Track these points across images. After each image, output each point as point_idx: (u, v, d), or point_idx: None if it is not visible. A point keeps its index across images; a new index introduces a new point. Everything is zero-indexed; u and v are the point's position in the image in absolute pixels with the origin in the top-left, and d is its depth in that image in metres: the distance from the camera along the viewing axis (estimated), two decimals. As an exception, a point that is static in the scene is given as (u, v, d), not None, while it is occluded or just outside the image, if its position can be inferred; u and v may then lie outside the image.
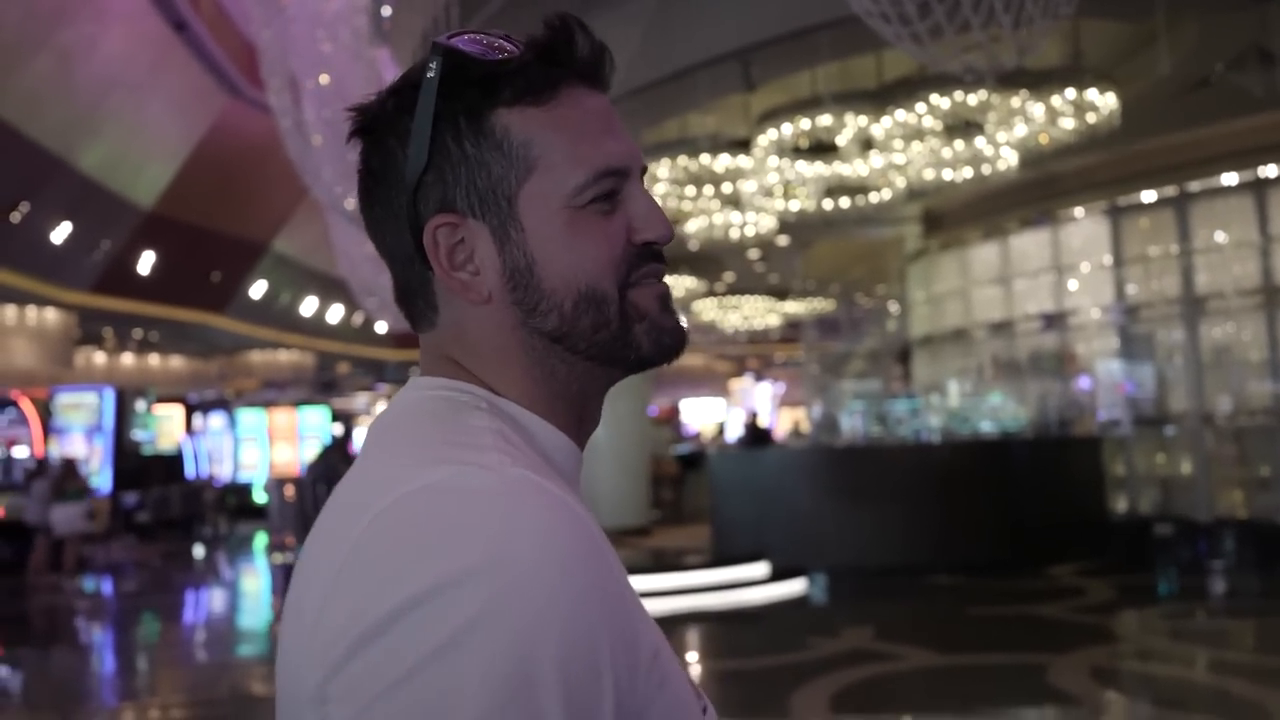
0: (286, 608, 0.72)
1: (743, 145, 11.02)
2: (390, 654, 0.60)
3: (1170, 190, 11.80)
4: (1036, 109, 9.22)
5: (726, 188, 11.75)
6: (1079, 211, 13.00)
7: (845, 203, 12.13)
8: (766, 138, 10.29)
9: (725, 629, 8.78)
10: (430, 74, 0.75)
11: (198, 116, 21.84)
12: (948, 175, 10.90)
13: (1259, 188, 11.33)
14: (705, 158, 11.00)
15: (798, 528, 10.95)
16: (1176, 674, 7.18)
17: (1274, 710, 5.96)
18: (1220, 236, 11.76)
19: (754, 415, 17.25)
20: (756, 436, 15.03)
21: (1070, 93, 9.01)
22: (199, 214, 23.85)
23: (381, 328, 21.21)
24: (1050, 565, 10.74)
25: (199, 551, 16.10)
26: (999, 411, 13.34)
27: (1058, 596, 9.43)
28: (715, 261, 17.82)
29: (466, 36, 0.76)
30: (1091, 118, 9.30)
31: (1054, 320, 13.49)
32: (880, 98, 9.71)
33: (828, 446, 12.86)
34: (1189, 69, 8.57)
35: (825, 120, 9.76)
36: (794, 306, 20.36)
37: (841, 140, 10.31)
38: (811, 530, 10.93)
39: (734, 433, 19.55)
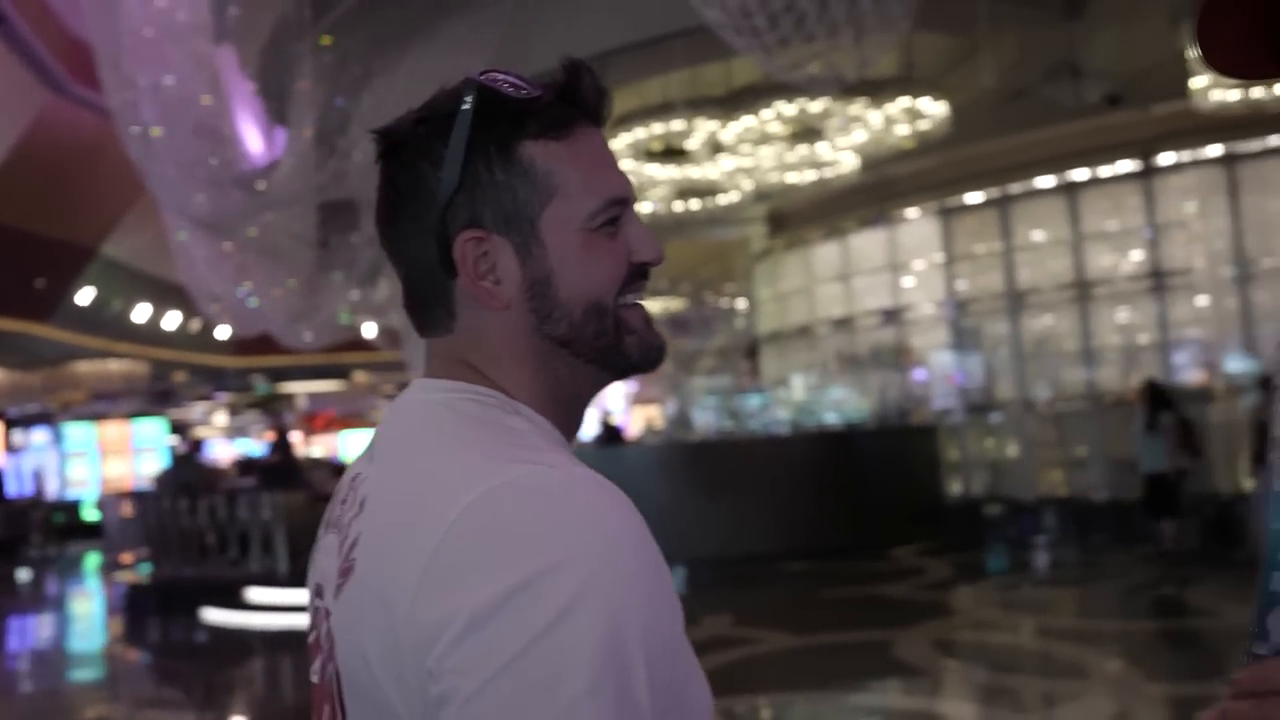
0: (351, 598, 0.81)
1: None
2: (506, 631, 0.70)
3: (994, 192, 12.65)
4: (874, 116, 9.77)
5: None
6: (912, 212, 13.76)
7: (695, 204, 12.49)
8: (620, 141, 10.51)
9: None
10: (465, 106, 0.86)
11: (16, 113, 20.54)
12: (792, 178, 11.38)
13: (1071, 190, 12.28)
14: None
15: (656, 522, 10.80)
16: (1007, 641, 7.75)
17: (1091, 667, 6.55)
18: (1038, 235, 12.68)
19: (607, 414, 17.46)
20: (611, 435, 15.25)
21: (904, 101, 9.59)
22: (20, 216, 22.41)
23: (223, 333, 20.47)
24: (894, 547, 11.32)
25: (24, 575, 15.19)
26: (843, 403, 13.96)
27: (901, 576, 9.97)
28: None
29: (497, 75, 0.88)
30: (923, 124, 9.92)
31: (891, 315, 14.21)
32: (729, 103, 10.07)
33: (682, 442, 13.18)
34: (1009, 80, 9.27)
35: (677, 124, 10.06)
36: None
37: (692, 144, 10.63)
38: (669, 524, 11.17)
39: (589, 432, 19.74)
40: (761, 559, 10.94)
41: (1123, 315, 12.38)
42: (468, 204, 0.86)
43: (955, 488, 13.13)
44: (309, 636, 0.94)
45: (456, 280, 0.88)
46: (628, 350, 0.91)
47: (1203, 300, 11.76)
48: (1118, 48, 9.47)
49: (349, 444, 24.35)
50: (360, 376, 28.45)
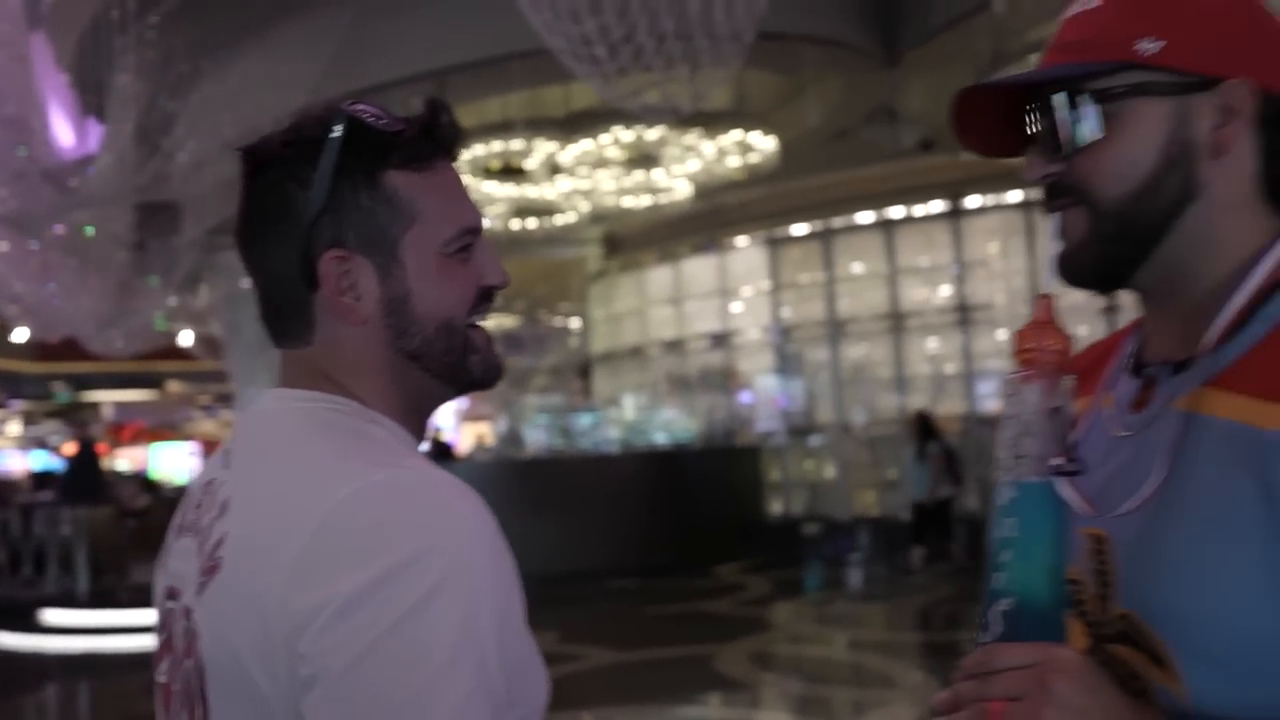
0: (218, 594, 0.86)
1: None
2: (373, 614, 0.77)
3: (818, 225, 13.27)
4: (707, 147, 10.12)
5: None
6: (742, 240, 14.26)
7: (532, 223, 12.56)
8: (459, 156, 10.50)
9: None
10: (335, 134, 0.93)
11: None
12: (628, 202, 11.62)
13: (888, 226, 13.03)
14: (395, 173, 10.99)
15: None
16: (821, 653, 8.12)
17: (898, 677, 6.95)
18: (857, 267, 13.38)
19: (437, 430, 17.25)
20: (440, 451, 15.08)
21: (735, 134, 9.99)
22: None
23: (21, 336, 19.12)
24: (717, 565, 11.62)
25: None
26: (672, 424, 14.27)
27: (723, 593, 10.27)
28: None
29: (364, 108, 0.95)
30: (753, 157, 10.34)
31: (720, 339, 14.66)
32: (568, 126, 10.22)
33: (512, 459, 13.17)
34: (833, 121, 9.81)
35: (515, 144, 10.13)
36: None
37: (530, 164, 10.72)
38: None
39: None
40: (589, 576, 11.04)
41: (932, 345, 13.19)
42: (333, 225, 0.93)
43: (776, 507, 13.61)
44: (158, 639, 0.97)
45: (318, 295, 0.94)
46: (472, 367, 0.99)
47: (1003, 334, 12.68)
48: (931, 96, 10.16)
49: (161, 457, 23.07)
50: (175, 386, 27.04)
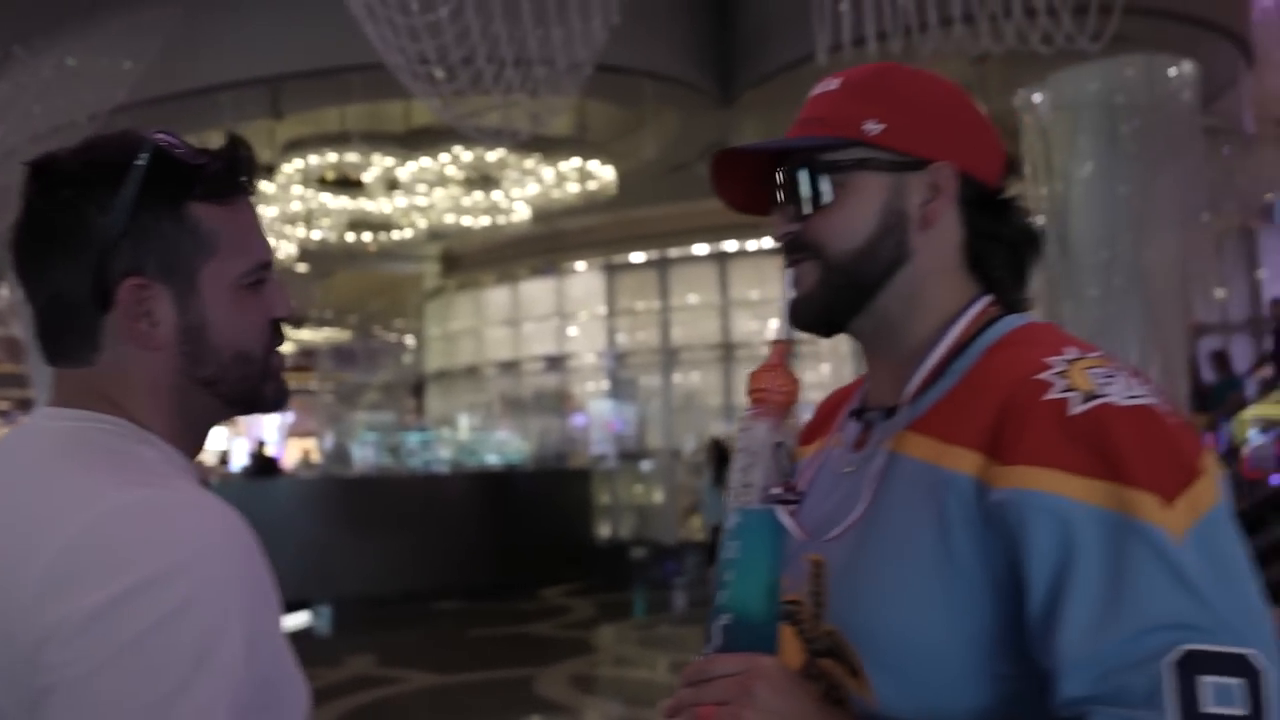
0: None
1: (266, 171, 10.82)
2: (117, 626, 0.79)
3: (654, 254, 13.57)
4: (546, 172, 10.22)
5: (245, 210, 11.44)
6: (580, 265, 14.42)
7: (368, 237, 12.35)
8: (291, 166, 10.23)
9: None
10: (140, 162, 0.94)
11: None
12: (467, 221, 11.58)
13: (721, 259, 13.46)
14: (225, 179, 10.63)
15: (304, 560, 10.81)
16: (644, 676, 8.24)
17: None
18: (692, 298, 13.74)
19: (260, 444, 16.67)
20: (264, 467, 14.57)
21: (575, 161, 10.13)
22: None
23: None
24: (543, 587, 11.63)
25: None
26: (504, 445, 14.23)
27: (548, 615, 10.28)
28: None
29: (169, 139, 0.97)
30: (592, 185, 10.51)
31: (555, 362, 14.74)
32: (407, 142, 10.12)
33: (338, 477, 12.86)
34: (670, 154, 10.09)
35: (352, 157, 9.96)
36: (309, 335, 19.99)
37: (368, 177, 10.56)
38: (319, 562, 10.85)
39: (239, 462, 18.66)
40: (413, 598, 10.87)
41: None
42: (132, 251, 0.94)
43: (605, 530, 13.75)
44: None
45: (108, 318, 0.95)
46: (265, 393, 1.03)
47: (826, 367, 13.25)
48: (764, 136, 10.48)
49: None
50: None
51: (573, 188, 10.64)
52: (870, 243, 1.01)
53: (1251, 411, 10.32)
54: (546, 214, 11.56)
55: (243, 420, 25.64)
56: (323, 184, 10.65)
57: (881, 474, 0.97)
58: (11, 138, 8.29)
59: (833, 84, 1.06)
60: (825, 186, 1.02)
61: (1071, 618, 0.82)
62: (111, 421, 0.96)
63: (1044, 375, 0.89)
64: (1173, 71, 7.77)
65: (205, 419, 1.03)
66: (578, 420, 14.69)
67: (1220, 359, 11.03)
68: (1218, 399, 10.12)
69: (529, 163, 10.11)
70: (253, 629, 0.86)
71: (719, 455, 10.41)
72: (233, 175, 1.00)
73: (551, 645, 8.89)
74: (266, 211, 11.51)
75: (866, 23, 5.58)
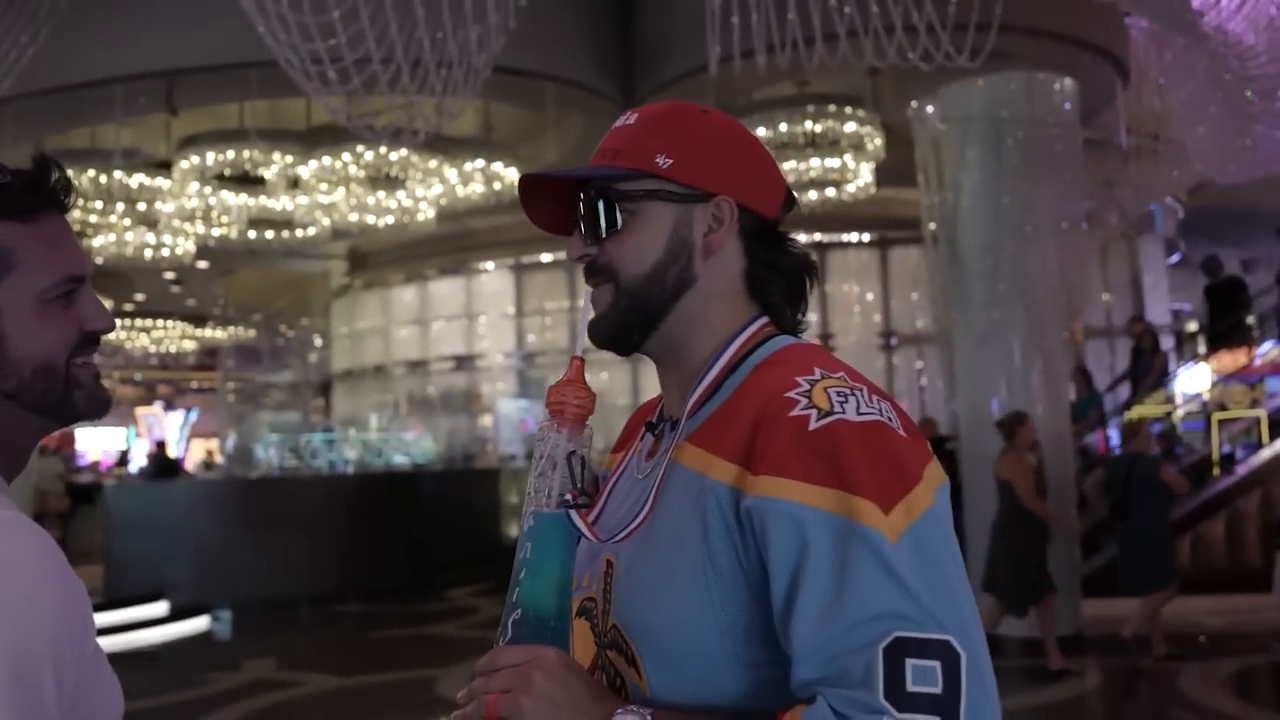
0: None
1: (163, 166, 10.58)
2: None
3: (562, 254, 13.59)
4: (450, 172, 10.20)
5: (141, 206, 11.16)
6: (489, 265, 14.38)
7: (270, 234, 12.14)
8: (188, 162, 10.03)
9: (119, 671, 8.28)
10: None
11: None
12: (372, 219, 11.48)
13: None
14: (119, 174, 10.37)
15: (204, 563, 10.62)
16: (543, 674, 8.29)
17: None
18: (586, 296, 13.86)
19: (161, 444, 16.28)
20: (163, 467, 14.23)
21: (479, 162, 10.13)
22: None
23: None
24: (451, 588, 11.59)
25: None
26: (412, 445, 14.13)
27: (454, 616, 10.27)
28: (125, 280, 16.58)
29: None
30: (497, 185, 10.52)
31: (464, 361, 14.68)
32: (308, 140, 10.00)
33: (240, 478, 12.63)
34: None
35: (251, 153, 9.80)
36: (212, 333, 19.56)
37: (268, 175, 10.40)
38: (219, 565, 10.66)
39: (139, 463, 18.18)
40: (315, 600, 10.74)
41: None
42: None
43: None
44: None
45: None
46: (76, 403, 1.06)
47: (604, 375, 13.49)
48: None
49: None
50: None
51: (478, 188, 10.63)
52: (657, 268, 1.10)
53: (1138, 411, 10.87)
54: (452, 214, 11.52)
55: (144, 420, 24.92)
56: (222, 180, 10.45)
57: (661, 482, 1.06)
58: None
59: (631, 119, 1.16)
60: (618, 214, 1.11)
61: (803, 610, 0.92)
62: None
63: (791, 393, 1.00)
64: (1056, 87, 8.12)
65: (18, 435, 1.06)
66: (486, 420, 14.66)
67: (1082, 375, 11.56)
68: (1080, 413, 10.62)
69: (433, 163, 10.07)
70: (60, 638, 0.90)
71: None
72: (35, 193, 1.04)
73: (456, 645, 8.88)
74: (163, 208, 11.25)
75: (756, 36, 5.74)
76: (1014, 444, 6.86)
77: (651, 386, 1.21)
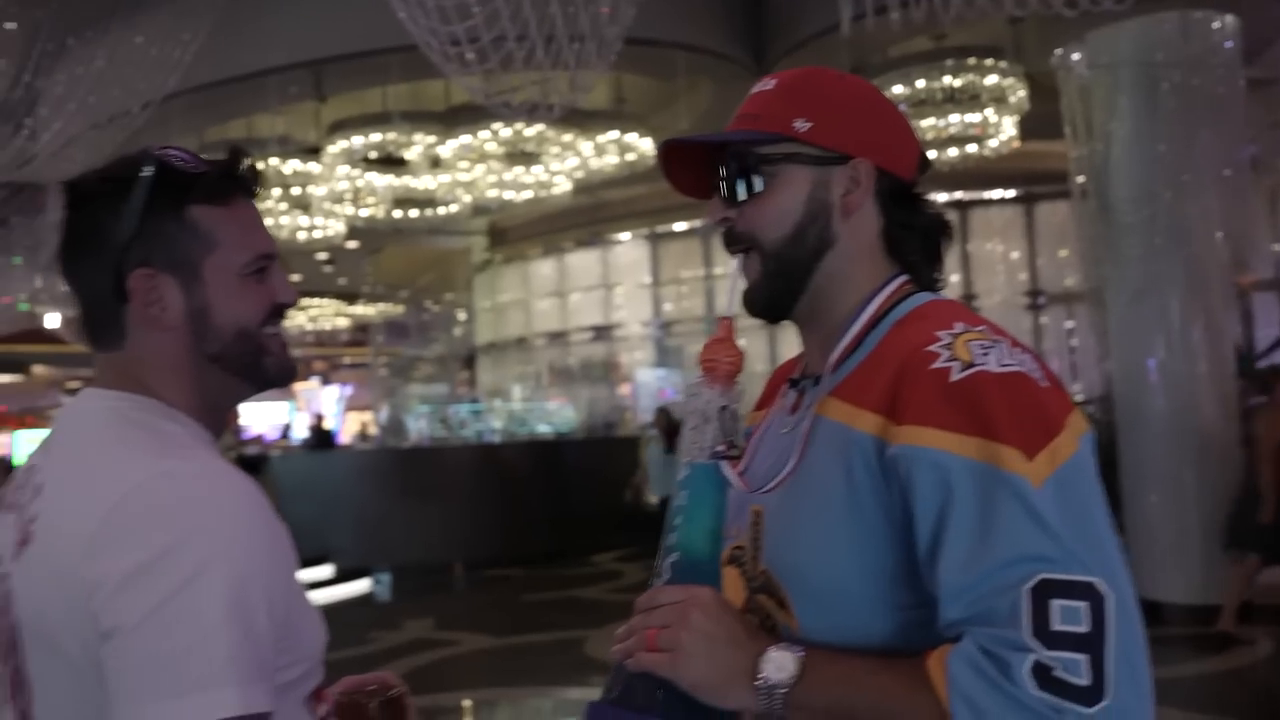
0: (31, 561, 1.04)
1: (312, 151, 11.07)
2: (158, 581, 0.95)
3: (697, 223, 13.61)
4: (585, 145, 10.33)
5: (295, 191, 11.71)
6: (624, 235, 14.50)
7: (414, 213, 12.55)
8: (337, 146, 10.46)
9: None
10: (145, 174, 1.11)
11: None
12: (510, 195, 11.73)
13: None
14: (274, 160, 10.91)
15: (364, 529, 11.14)
16: (688, 637, 8.42)
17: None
18: (734, 263, 13.81)
19: (319, 418, 17.09)
20: (321, 439, 14.97)
21: (613, 134, 10.22)
22: None
23: None
24: (595, 553, 11.84)
25: None
26: (553, 415, 14.45)
27: (600, 580, 10.51)
28: (281, 262, 17.39)
29: (172, 151, 1.14)
30: (631, 156, 10.59)
31: (602, 332, 14.88)
32: (447, 119, 10.28)
33: (394, 448, 13.16)
34: (706, 124, 10.10)
35: (395, 135, 10.15)
36: (363, 310, 20.38)
37: (410, 155, 10.74)
38: (377, 531, 11.17)
39: (299, 435, 19.15)
40: (467, 565, 11.15)
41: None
42: (142, 249, 1.11)
43: (653, 497, 13.91)
44: None
45: (128, 308, 1.12)
46: (266, 367, 1.18)
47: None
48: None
49: (23, 443, 22.15)
50: (41, 370, 25.97)
51: (612, 160, 10.73)
52: (797, 230, 1.14)
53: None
54: (588, 186, 11.67)
55: (302, 395, 26.23)
56: (368, 163, 10.86)
57: (807, 435, 1.11)
58: (71, 127, 8.59)
59: (769, 84, 1.19)
60: (758, 177, 1.14)
61: (949, 553, 0.96)
62: (142, 401, 1.13)
63: (933, 347, 1.03)
64: (1215, 25, 7.64)
65: (222, 396, 1.19)
66: (625, 389, 14.83)
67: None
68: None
69: (567, 137, 10.22)
70: (267, 579, 1.01)
71: (670, 425, 9.95)
72: (229, 180, 1.16)
73: (602, 608, 9.10)
74: (315, 191, 11.77)
75: (889, -9, 5.61)
76: (1274, 399, 6.63)
77: (788, 352, 1.26)
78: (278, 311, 1.19)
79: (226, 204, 1.15)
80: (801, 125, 1.13)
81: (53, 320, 16.62)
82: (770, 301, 1.17)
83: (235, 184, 1.17)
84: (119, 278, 1.11)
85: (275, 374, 1.19)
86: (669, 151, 1.21)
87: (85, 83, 8.47)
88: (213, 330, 1.14)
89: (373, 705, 1.36)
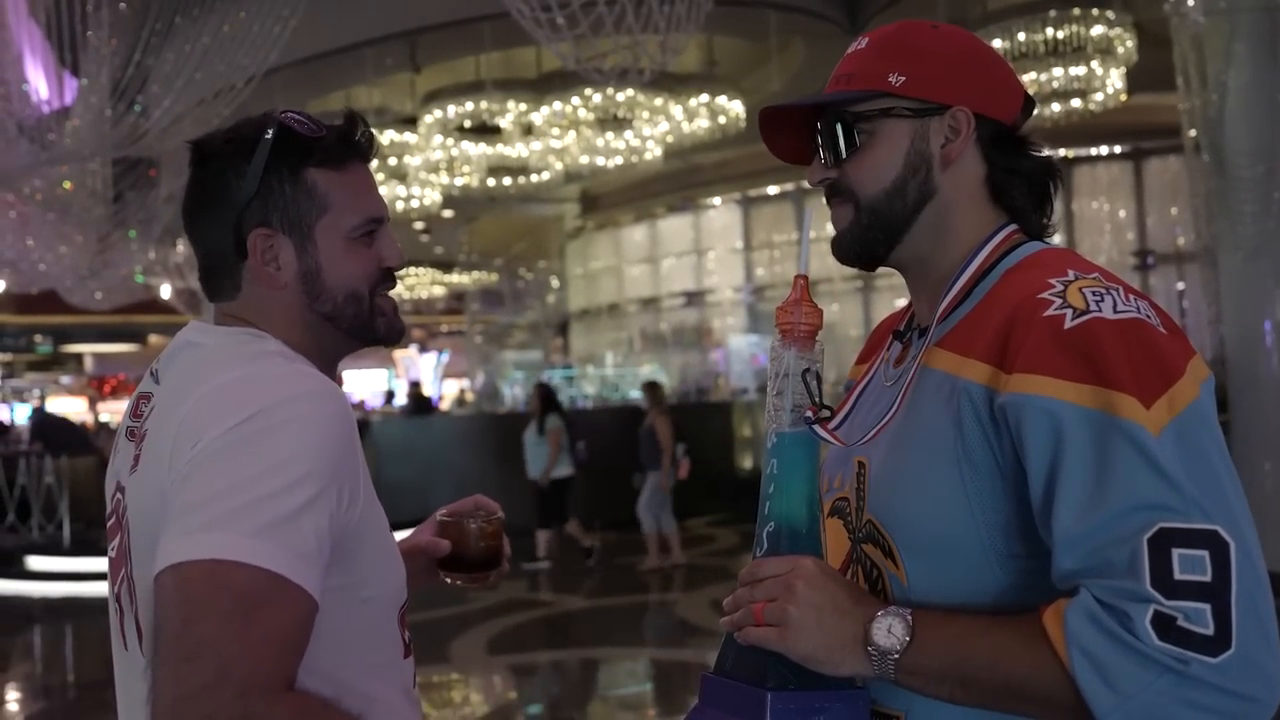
0: (140, 472, 1.11)
1: (409, 122, 11.25)
2: (234, 439, 1.01)
3: (790, 186, 13.44)
4: (676, 110, 10.27)
5: (391, 161, 11.93)
6: (716, 200, 14.41)
7: (508, 181, 12.68)
8: (432, 116, 10.61)
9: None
10: (268, 136, 1.17)
11: None
12: (601, 161, 11.75)
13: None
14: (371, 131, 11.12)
15: (461, 490, 11.04)
16: (781, 601, 8.44)
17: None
18: (830, 228, 13.60)
19: (417, 384, 17.48)
20: (420, 405, 15.33)
21: (704, 97, 10.14)
22: None
23: None
24: (688, 518, 11.89)
25: None
26: (646, 380, 14.49)
27: (692, 544, 10.57)
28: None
29: (293, 116, 1.19)
30: (722, 120, 10.50)
31: (694, 297, 14.86)
32: (539, 87, 10.33)
33: (490, 414, 13.39)
34: (798, 86, 9.96)
35: (488, 104, 10.25)
36: (458, 278, 20.72)
37: (503, 123, 10.84)
38: (474, 492, 11.37)
39: (399, 401, 19.64)
40: (559, 529, 11.31)
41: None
42: (261, 208, 1.17)
43: (746, 462, 13.92)
44: (108, 523, 1.21)
45: (246, 264, 1.18)
46: (377, 328, 1.24)
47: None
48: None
49: (141, 410, 23.17)
50: (156, 339, 27.11)
51: (703, 123, 10.65)
52: (897, 183, 1.13)
53: None
54: (679, 151, 11.62)
55: (401, 362, 26.84)
56: (462, 132, 10.99)
57: (910, 385, 1.10)
58: (179, 104, 8.88)
59: (862, 43, 1.18)
60: (856, 135, 1.14)
61: (1064, 502, 0.94)
62: (255, 333, 1.19)
63: (1045, 294, 1.01)
64: (1344, -36, 7.21)
65: (333, 349, 1.24)
66: (717, 354, 14.80)
67: None
68: None
69: (659, 101, 10.17)
70: (342, 458, 1.05)
71: (545, 401, 9.67)
72: (345, 146, 1.21)
73: (695, 572, 9.17)
74: (410, 161, 11.98)
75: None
76: None
77: (881, 315, 1.25)
78: (387, 274, 1.24)
79: (341, 168, 1.20)
80: (896, 79, 1.12)
81: (166, 291, 17.31)
82: (862, 250, 1.16)
83: (351, 149, 1.21)
84: (239, 235, 1.17)
85: (386, 334, 1.24)
86: (767, 118, 1.21)
87: (192, 60, 8.73)
88: (325, 291, 1.19)
89: (473, 526, 1.47)
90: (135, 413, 1.19)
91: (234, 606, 0.94)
